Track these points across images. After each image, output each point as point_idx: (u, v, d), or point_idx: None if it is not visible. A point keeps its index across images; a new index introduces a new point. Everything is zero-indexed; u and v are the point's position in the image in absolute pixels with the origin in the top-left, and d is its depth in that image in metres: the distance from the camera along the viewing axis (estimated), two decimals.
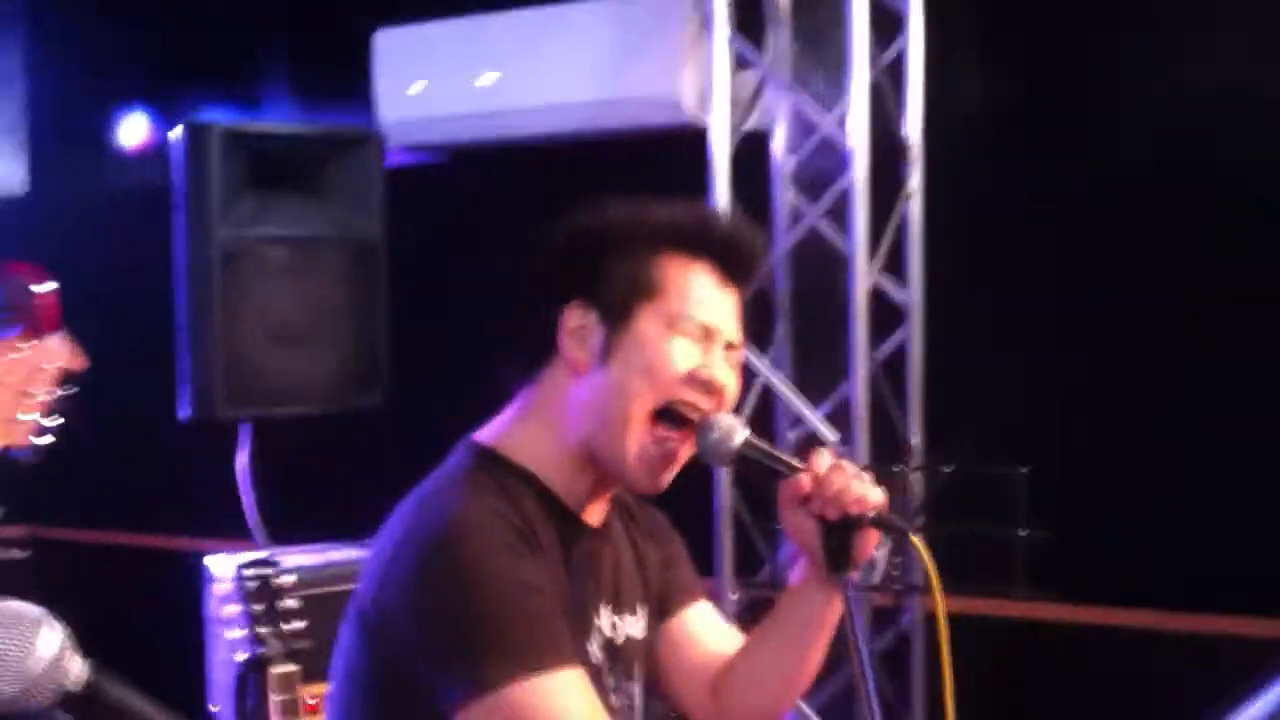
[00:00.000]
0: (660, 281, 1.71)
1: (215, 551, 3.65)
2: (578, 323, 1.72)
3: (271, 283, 3.42)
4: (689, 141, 3.50)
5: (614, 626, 1.79)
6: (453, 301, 4.05)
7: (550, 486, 1.73)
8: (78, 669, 1.53)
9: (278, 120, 4.59)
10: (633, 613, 1.84)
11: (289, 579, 2.62)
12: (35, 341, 1.37)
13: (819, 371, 3.42)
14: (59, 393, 1.35)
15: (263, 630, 2.56)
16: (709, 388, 1.70)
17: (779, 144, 3.51)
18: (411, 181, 3.87)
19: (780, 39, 3.45)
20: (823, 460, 1.65)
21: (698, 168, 3.42)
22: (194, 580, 3.13)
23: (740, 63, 3.44)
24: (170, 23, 4.70)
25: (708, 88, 3.42)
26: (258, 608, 2.57)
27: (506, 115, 3.78)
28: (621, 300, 1.70)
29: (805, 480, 1.64)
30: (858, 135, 3.28)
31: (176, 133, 3.39)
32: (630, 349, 1.69)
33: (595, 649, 1.75)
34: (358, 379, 3.53)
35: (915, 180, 3.40)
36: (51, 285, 1.34)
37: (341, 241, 3.51)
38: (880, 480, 1.68)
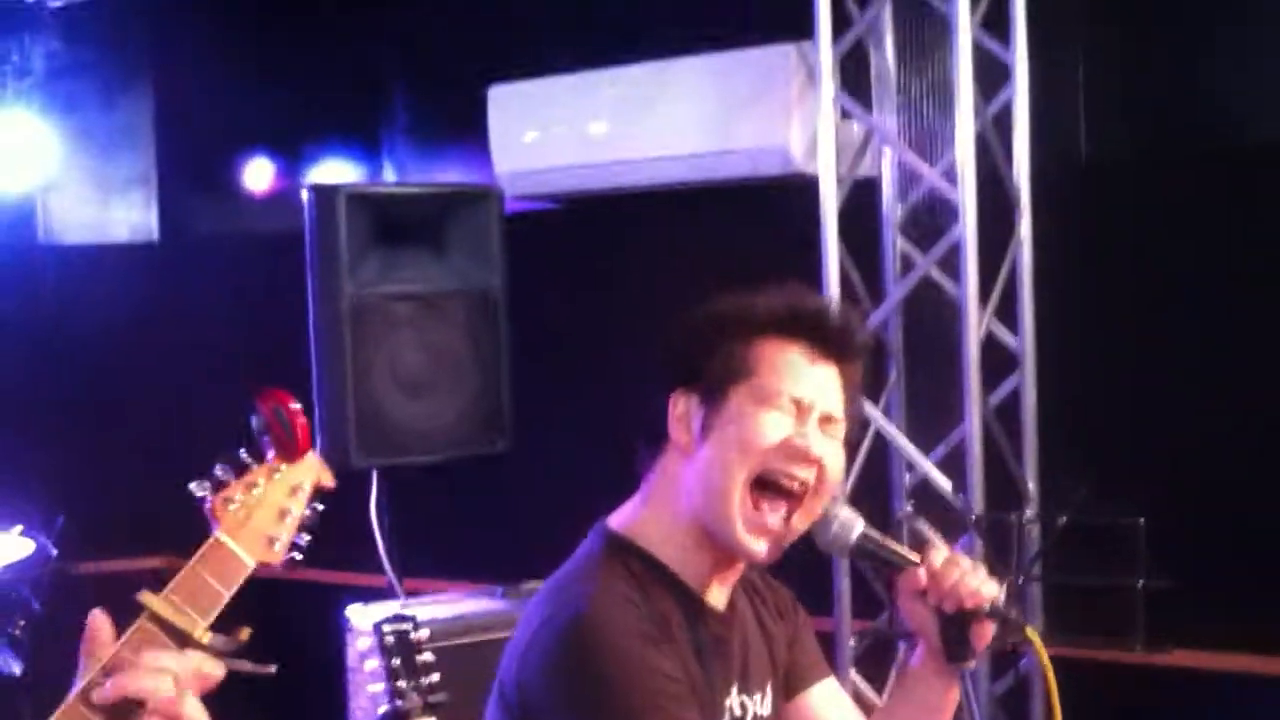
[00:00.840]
0: (753, 363, 1.79)
1: (349, 582, 3.79)
2: (682, 408, 1.80)
3: (398, 335, 3.56)
4: (798, 190, 3.57)
5: (743, 706, 1.86)
6: (570, 346, 4.15)
7: (676, 572, 1.81)
8: None
9: (396, 170, 4.76)
10: (761, 691, 1.91)
11: (424, 633, 2.74)
12: (290, 463, 1.44)
13: (932, 418, 3.46)
14: (310, 510, 1.44)
15: (402, 684, 2.68)
16: (803, 457, 1.75)
17: (887, 193, 3.56)
18: (527, 228, 3.98)
19: (886, 90, 3.51)
20: (938, 555, 1.72)
21: (808, 216, 3.48)
22: (332, 611, 3.26)
23: (845, 113, 3.50)
24: (293, 73, 4.86)
25: (815, 138, 3.48)
26: (396, 663, 2.68)
27: (617, 167, 3.88)
28: (718, 382, 1.79)
29: (921, 575, 1.71)
30: (966, 185, 3.32)
31: (305, 194, 3.54)
32: (725, 425, 1.77)
33: None
34: (482, 425, 3.66)
35: (1024, 228, 3.43)
36: (299, 408, 1.43)
37: (463, 294, 3.63)
38: (994, 555, 1.74)
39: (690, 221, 3.95)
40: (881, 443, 3.48)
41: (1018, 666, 3.46)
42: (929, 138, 3.47)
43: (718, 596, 1.87)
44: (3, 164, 5.04)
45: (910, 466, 3.47)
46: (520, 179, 4.01)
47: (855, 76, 3.51)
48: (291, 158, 5.08)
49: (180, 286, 5.11)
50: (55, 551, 3.97)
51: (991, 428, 3.42)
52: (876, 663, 3.49)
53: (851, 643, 3.49)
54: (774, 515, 1.75)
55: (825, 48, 3.40)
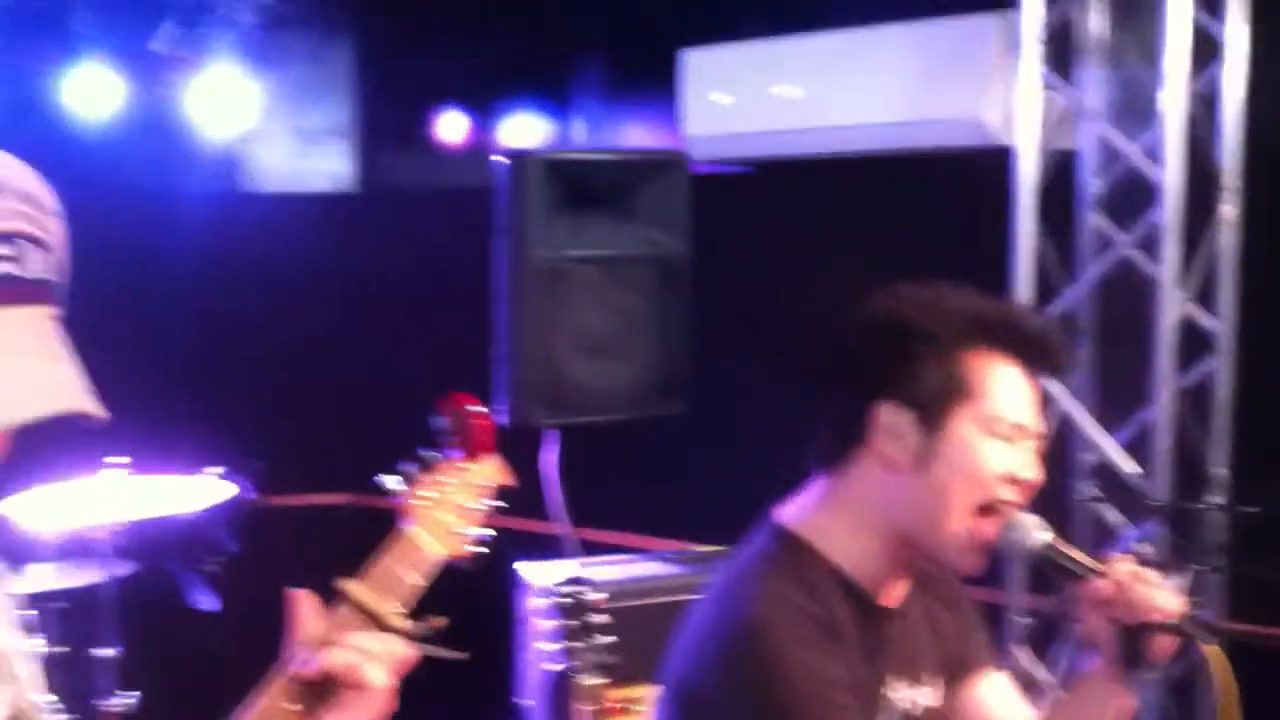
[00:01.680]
0: (972, 383, 1.76)
1: (521, 527, 3.88)
2: (892, 423, 1.77)
3: (581, 299, 3.60)
4: (994, 163, 3.50)
5: (911, 699, 1.87)
6: (753, 313, 4.15)
7: (851, 575, 1.81)
8: None
9: (587, 128, 4.81)
10: (929, 683, 1.91)
11: (598, 595, 2.79)
12: (474, 462, 1.50)
13: (1118, 400, 3.38)
14: (492, 507, 1.51)
15: (575, 645, 2.75)
16: (1028, 487, 1.77)
17: (1086, 169, 3.47)
18: (715, 191, 3.99)
19: (1089, 63, 3.40)
20: (1122, 567, 1.69)
21: (1002, 189, 3.42)
22: (504, 559, 3.35)
23: (1046, 85, 3.42)
24: (491, 31, 4.93)
25: (1012, 110, 3.41)
26: (570, 623, 2.75)
27: (810, 133, 3.85)
28: (935, 402, 1.76)
29: (1105, 587, 1.69)
30: (1171, 163, 3.21)
31: (498, 160, 3.61)
32: (949, 453, 1.75)
33: None
34: (660, 389, 3.69)
35: (1229, 208, 3.31)
36: (484, 410, 1.50)
37: (648, 259, 3.66)
38: (1179, 550, 1.70)
39: (882, 191, 3.90)
40: (1064, 422, 3.40)
41: (1189, 654, 3.37)
42: (1132, 113, 3.36)
43: (890, 595, 1.87)
44: (209, 115, 5.25)
45: (1092, 447, 3.39)
46: (711, 143, 4.01)
47: (1057, 48, 3.42)
48: (485, 114, 5.17)
49: (375, 236, 5.26)
50: (254, 495, 4.14)
51: (1182, 412, 3.32)
52: (1045, 641, 3.45)
53: (1021, 620, 3.45)
54: (989, 535, 1.76)
55: (1030, 18, 3.32)
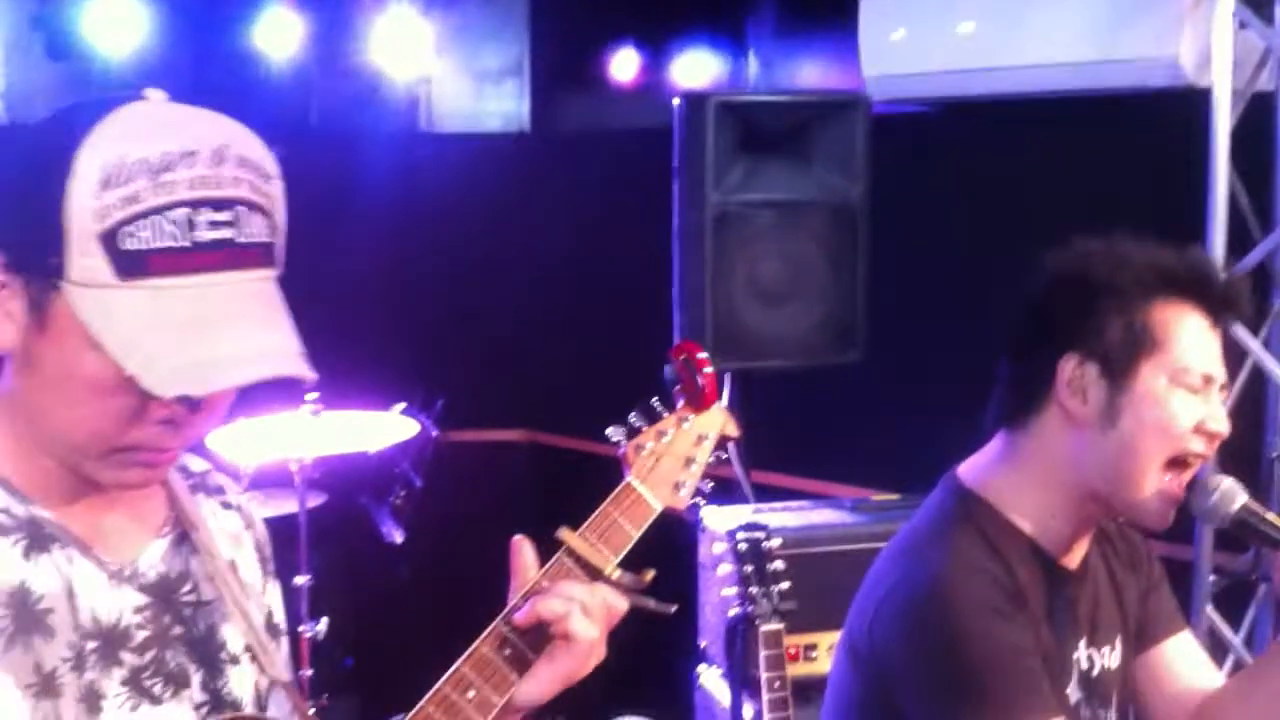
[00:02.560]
0: (1158, 334, 1.75)
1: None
2: (1078, 376, 1.77)
3: (757, 243, 3.61)
4: (1187, 105, 3.38)
5: (1090, 659, 1.86)
6: (932, 258, 4.09)
7: (1034, 536, 1.80)
8: None
9: (761, 68, 4.77)
10: (1110, 644, 1.90)
11: (776, 542, 2.82)
12: (698, 413, 1.50)
13: None
14: (714, 458, 1.52)
15: (753, 590, 2.78)
16: (1217, 438, 1.76)
17: None
18: (894, 131, 3.93)
19: None
20: None
21: (1196, 133, 3.30)
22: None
23: (1243, 24, 3.28)
24: None
25: (1208, 50, 3.28)
26: (749, 569, 2.78)
27: (992, 73, 3.75)
28: (1122, 355, 1.75)
29: None
30: None
31: (676, 102, 3.61)
32: (1138, 406, 1.74)
33: (1073, 688, 1.83)
34: (836, 335, 3.68)
35: None
36: (707, 358, 1.51)
37: (824, 204, 3.64)
38: None
39: (1068, 132, 3.80)
40: (1259, 377, 3.30)
41: None
42: None
43: (1072, 556, 1.86)
44: (389, 56, 5.35)
45: None
46: (889, 83, 3.94)
47: None
48: (658, 54, 5.16)
49: (548, 176, 5.31)
50: (435, 432, 4.26)
51: None
52: (1234, 602, 3.37)
53: (1211, 579, 3.37)
54: (1178, 488, 1.76)
55: None
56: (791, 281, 3.64)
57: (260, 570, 1.51)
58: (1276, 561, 1.74)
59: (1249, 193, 3.33)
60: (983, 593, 1.72)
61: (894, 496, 3.37)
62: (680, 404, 1.50)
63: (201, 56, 4.92)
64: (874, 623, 1.79)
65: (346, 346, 4.30)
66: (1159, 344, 1.74)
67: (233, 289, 1.22)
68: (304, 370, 1.23)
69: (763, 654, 2.77)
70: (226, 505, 1.50)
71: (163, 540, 1.39)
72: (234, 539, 1.48)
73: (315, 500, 4.09)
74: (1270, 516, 1.74)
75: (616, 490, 1.46)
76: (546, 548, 1.43)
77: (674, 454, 1.48)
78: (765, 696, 2.47)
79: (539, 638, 1.39)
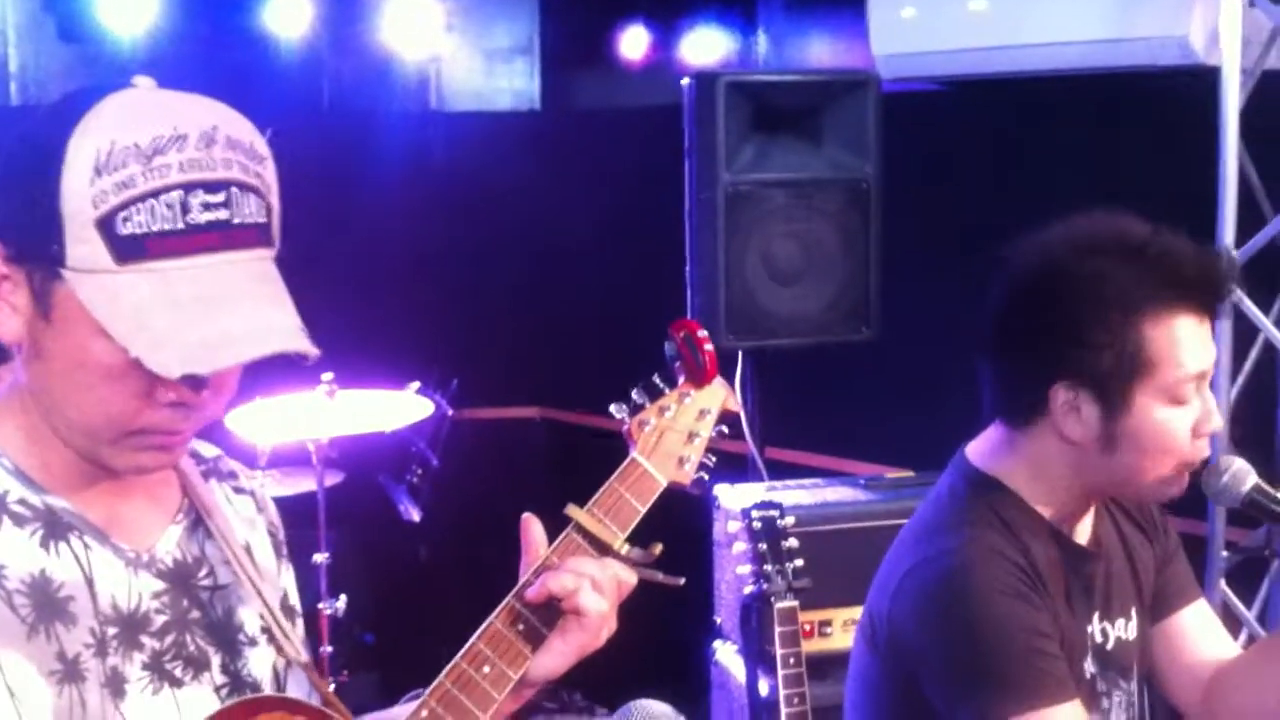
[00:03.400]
0: (1149, 353, 1.72)
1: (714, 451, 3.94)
2: (1068, 399, 1.76)
3: (770, 222, 3.62)
4: (1198, 83, 3.39)
5: (1104, 633, 1.89)
6: (944, 235, 4.11)
7: (1044, 514, 1.83)
8: None
9: (771, 46, 4.78)
10: (1124, 616, 1.92)
11: (790, 520, 2.85)
12: (699, 388, 1.52)
13: None
14: (716, 433, 1.53)
15: (768, 568, 2.81)
16: (1214, 432, 1.78)
17: None
18: (904, 111, 3.94)
19: None
20: None
21: (1206, 111, 3.31)
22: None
23: (1253, 2, 3.28)
24: None
25: (1218, 28, 3.29)
26: (763, 547, 2.81)
27: (1001, 51, 3.76)
28: (1114, 383, 1.73)
29: None
30: None
31: (685, 82, 3.62)
32: (1136, 436, 1.74)
33: (1089, 662, 1.86)
34: (849, 313, 3.70)
35: None
36: (707, 336, 1.53)
37: (836, 182, 3.66)
38: None
39: (1078, 111, 3.81)
40: (1270, 353, 3.32)
41: None
42: None
43: (1083, 532, 1.89)
44: (400, 35, 5.36)
45: None
46: (899, 61, 3.95)
47: None
48: (668, 31, 5.17)
49: (559, 154, 5.33)
50: (450, 411, 4.29)
51: None
52: (1248, 577, 3.39)
53: (1224, 554, 3.39)
54: (1184, 478, 1.79)
55: None
56: (804, 260, 3.66)
57: (274, 553, 1.53)
58: None
59: (1259, 171, 3.34)
60: (1000, 576, 1.74)
61: (907, 473, 3.39)
62: (681, 380, 1.52)
63: (213, 37, 4.93)
64: (893, 607, 1.82)
65: (360, 326, 4.35)
66: (1151, 364, 1.72)
67: (231, 269, 1.24)
68: (307, 346, 1.24)
69: (778, 630, 2.80)
70: (239, 490, 1.52)
71: (178, 526, 1.41)
72: (248, 523, 1.50)
73: (333, 479, 4.13)
74: (1278, 494, 1.76)
75: (622, 466, 1.48)
76: (560, 523, 1.45)
77: (677, 429, 1.50)
78: (780, 672, 2.50)
79: (551, 613, 1.41)
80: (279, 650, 1.44)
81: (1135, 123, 3.67)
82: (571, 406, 5.37)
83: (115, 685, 1.30)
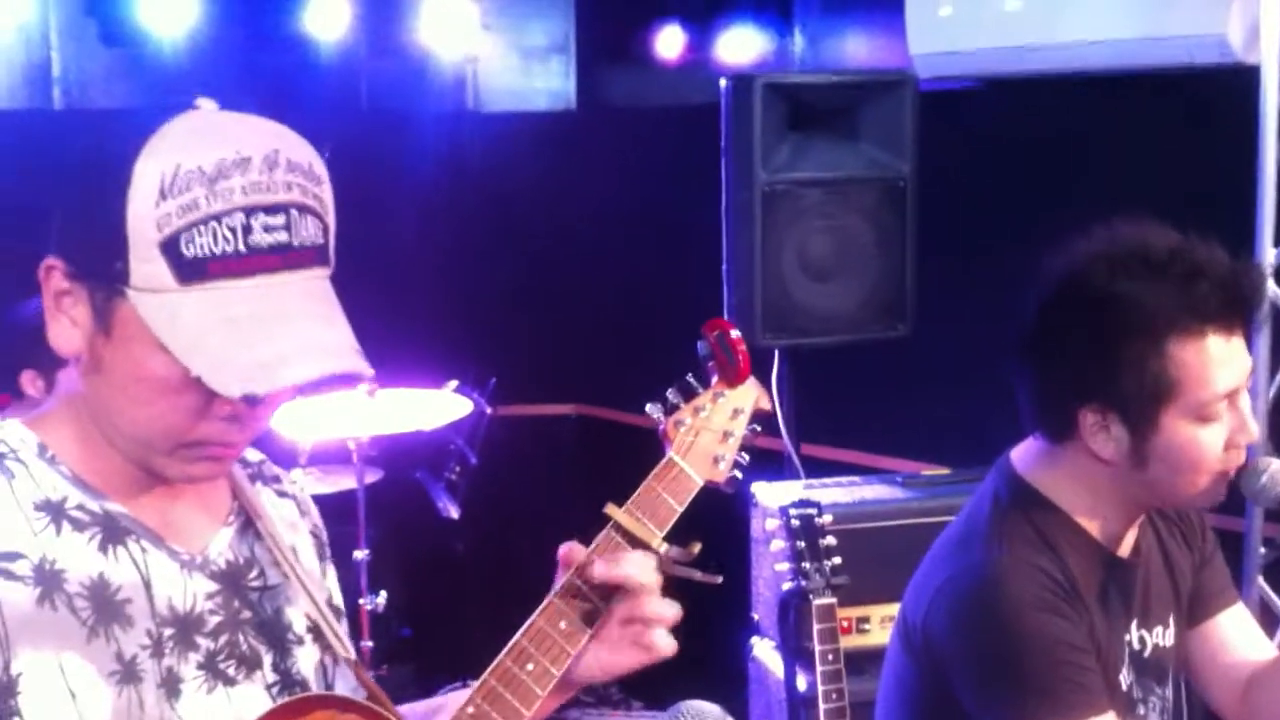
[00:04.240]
0: (1177, 376, 1.72)
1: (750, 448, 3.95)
2: (1096, 420, 1.77)
3: (806, 221, 3.64)
4: (1236, 83, 3.38)
5: (1141, 641, 1.89)
6: (980, 234, 4.11)
7: (1086, 527, 1.84)
8: None
9: (807, 44, 4.78)
10: (1162, 623, 1.93)
11: (827, 518, 2.87)
12: (732, 387, 1.54)
13: None
14: (750, 431, 1.55)
15: (806, 565, 2.83)
16: (1248, 443, 1.79)
17: None
18: (940, 110, 3.94)
19: None
20: None
21: (1243, 109, 3.30)
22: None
23: None
24: None
25: (1255, 26, 3.28)
26: (801, 545, 2.83)
27: (1038, 50, 3.76)
28: (1144, 406, 1.73)
29: None
30: None
31: (723, 83, 3.64)
32: (1167, 455, 1.75)
33: (1125, 671, 1.87)
34: (884, 310, 3.72)
35: None
36: (740, 336, 1.54)
37: (872, 181, 3.67)
38: None
39: (1115, 110, 3.81)
40: None
41: None
42: None
43: (1124, 544, 1.89)
44: (437, 36, 5.40)
45: None
46: (936, 60, 3.96)
47: None
48: (704, 30, 5.18)
49: (595, 154, 5.35)
50: (489, 409, 4.32)
51: None
52: None
53: (1261, 551, 3.39)
54: (1223, 485, 1.80)
55: None
56: (840, 258, 3.68)
57: (317, 556, 1.56)
58: None
59: None
60: (1036, 589, 1.75)
61: (944, 471, 3.40)
62: (715, 379, 1.54)
63: (252, 40, 4.98)
64: (929, 614, 1.83)
65: (398, 326, 4.38)
66: (1179, 386, 1.72)
67: (289, 289, 1.26)
68: (362, 367, 1.27)
69: (816, 627, 2.81)
70: (282, 494, 1.56)
71: (229, 529, 1.44)
72: (291, 526, 1.54)
73: (373, 477, 4.17)
74: None
75: (659, 466, 1.50)
76: (597, 519, 1.47)
77: (711, 429, 1.52)
78: (819, 669, 2.51)
79: (594, 611, 1.43)
80: (326, 648, 1.47)
81: (1172, 121, 3.66)
82: (607, 404, 5.39)
83: (171, 685, 1.34)
